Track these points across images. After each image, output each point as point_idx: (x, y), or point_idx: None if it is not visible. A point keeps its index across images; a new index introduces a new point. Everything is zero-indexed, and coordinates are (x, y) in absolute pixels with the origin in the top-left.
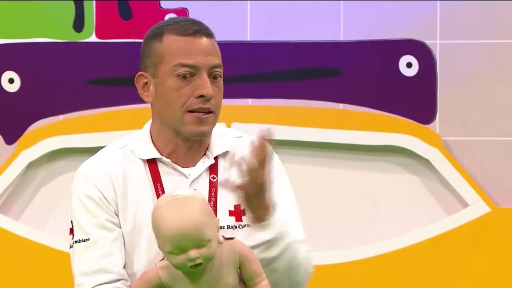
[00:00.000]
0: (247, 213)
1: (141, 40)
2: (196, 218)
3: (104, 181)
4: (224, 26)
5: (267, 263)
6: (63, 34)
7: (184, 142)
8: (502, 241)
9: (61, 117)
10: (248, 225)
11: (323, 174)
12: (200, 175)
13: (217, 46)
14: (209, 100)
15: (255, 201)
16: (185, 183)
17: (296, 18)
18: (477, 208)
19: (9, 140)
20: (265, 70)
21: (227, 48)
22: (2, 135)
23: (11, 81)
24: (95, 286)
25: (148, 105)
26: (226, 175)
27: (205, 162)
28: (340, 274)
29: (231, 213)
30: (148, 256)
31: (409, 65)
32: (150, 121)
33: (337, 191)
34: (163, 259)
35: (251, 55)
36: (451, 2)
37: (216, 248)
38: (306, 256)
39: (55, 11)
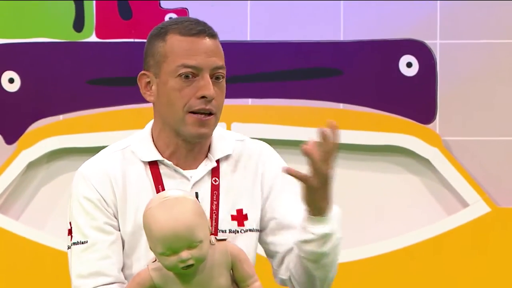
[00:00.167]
0: (307, 206)
1: (141, 40)
2: (188, 219)
3: (104, 183)
4: (224, 26)
5: (317, 258)
6: (63, 34)
7: (185, 143)
8: (502, 241)
9: (61, 117)
10: (251, 230)
11: None
12: (202, 178)
13: (220, 47)
14: (210, 101)
15: (318, 194)
16: (187, 185)
17: (296, 18)
18: (477, 208)
19: (9, 140)
20: (265, 70)
21: (227, 48)
22: (2, 135)
23: (11, 81)
24: None
25: (148, 105)
26: (228, 178)
27: (207, 165)
28: (340, 274)
29: (233, 217)
30: (147, 257)
31: (409, 65)
32: (152, 121)
33: (336, 191)
34: (155, 260)
35: (251, 55)
36: (451, 2)
37: (208, 249)
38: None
39: (55, 11)
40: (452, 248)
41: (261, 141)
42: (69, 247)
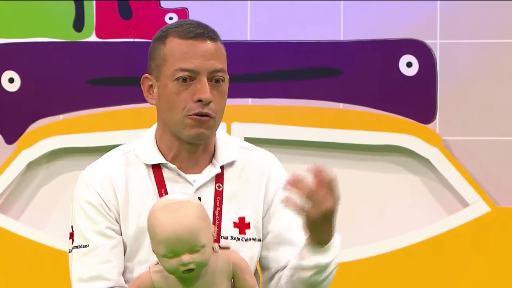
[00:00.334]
0: (308, 235)
1: (142, 40)
2: (191, 222)
3: (106, 187)
4: (224, 26)
5: (311, 285)
6: (63, 33)
7: (186, 146)
8: (502, 241)
9: (61, 116)
10: (253, 239)
11: None
12: (206, 183)
13: (221, 49)
14: (207, 104)
15: (320, 227)
16: (190, 190)
17: (296, 18)
18: (477, 207)
19: (9, 140)
20: (265, 70)
21: (227, 48)
22: (2, 135)
23: (11, 80)
24: None
25: (148, 105)
26: (231, 185)
27: (211, 171)
28: (340, 274)
29: (235, 224)
30: (149, 261)
31: (409, 64)
32: (156, 124)
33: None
34: (157, 263)
35: (251, 55)
36: (451, 2)
37: (210, 255)
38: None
39: (55, 11)
40: (452, 248)
41: (268, 152)
42: (70, 251)
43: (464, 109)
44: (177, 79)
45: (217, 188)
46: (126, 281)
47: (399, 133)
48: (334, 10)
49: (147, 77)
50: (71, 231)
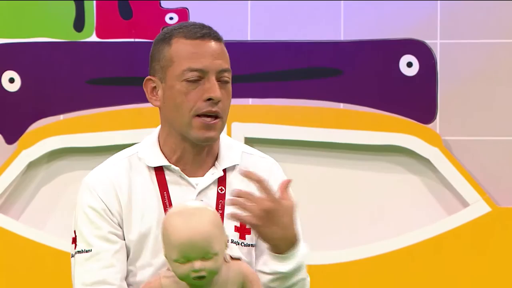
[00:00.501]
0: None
1: (142, 40)
2: (206, 229)
3: (109, 192)
4: (224, 26)
5: None
6: (63, 33)
7: (192, 148)
8: (503, 240)
9: (61, 116)
10: (252, 245)
11: (323, 173)
12: (208, 186)
13: (226, 50)
14: (217, 103)
15: (265, 231)
16: (192, 193)
17: (296, 18)
18: (478, 207)
19: (10, 140)
20: (265, 70)
21: (227, 47)
22: (2, 135)
23: (11, 80)
24: None
25: (148, 105)
26: (234, 188)
27: (214, 174)
28: (340, 274)
29: (236, 228)
30: (152, 264)
31: (409, 64)
32: (159, 126)
33: (337, 190)
34: (168, 269)
35: (251, 55)
36: (452, 2)
37: (222, 264)
38: None
39: (55, 11)
40: (452, 248)
41: (270, 158)
42: (73, 256)
43: (464, 109)
44: (186, 79)
45: (219, 191)
46: (129, 285)
47: (400, 133)
48: (335, 10)
49: (150, 79)
50: (74, 235)
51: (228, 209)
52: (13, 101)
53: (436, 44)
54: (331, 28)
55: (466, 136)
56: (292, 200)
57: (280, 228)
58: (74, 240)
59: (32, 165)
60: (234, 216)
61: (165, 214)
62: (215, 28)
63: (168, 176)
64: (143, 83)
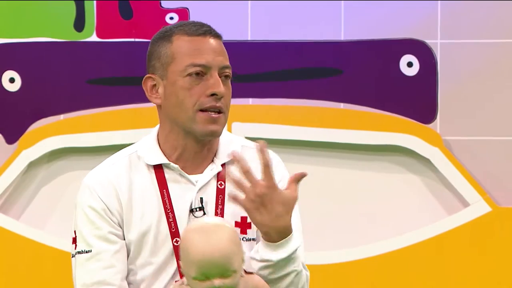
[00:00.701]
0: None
1: (142, 40)
2: (226, 247)
3: (109, 192)
4: (224, 26)
5: (267, 281)
6: (64, 33)
7: (193, 145)
8: (503, 240)
9: (61, 116)
10: (253, 239)
11: (324, 173)
12: (208, 182)
13: (224, 48)
14: (220, 98)
15: (255, 216)
16: (192, 190)
17: (296, 18)
18: (478, 207)
19: (10, 140)
20: (265, 70)
21: (227, 47)
22: (2, 135)
23: (12, 80)
24: None
25: (149, 104)
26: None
27: (213, 170)
28: (340, 274)
29: (237, 224)
30: (152, 262)
31: (409, 64)
32: (158, 126)
33: (337, 190)
34: (181, 283)
35: (251, 55)
36: (452, 1)
37: (239, 280)
38: (304, 283)
39: (56, 11)
40: (452, 248)
41: (270, 151)
42: (73, 256)
43: (465, 109)
44: (189, 74)
45: (219, 186)
46: (129, 284)
47: (400, 133)
48: (335, 10)
49: (150, 77)
50: (74, 236)
51: (229, 203)
52: (14, 101)
53: (436, 44)
54: (331, 28)
55: (466, 136)
56: (295, 192)
57: (273, 216)
58: (74, 240)
59: (33, 165)
60: (232, 197)
61: (165, 213)
62: (215, 27)
63: (168, 174)
64: (142, 82)
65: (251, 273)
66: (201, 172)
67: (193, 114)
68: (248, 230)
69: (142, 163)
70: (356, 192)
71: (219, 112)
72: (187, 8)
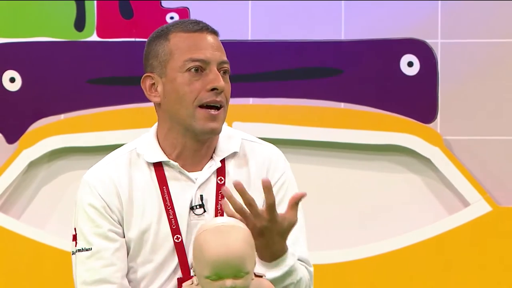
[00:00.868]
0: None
1: (143, 40)
2: (241, 248)
3: (109, 190)
4: (225, 25)
5: None
6: (64, 33)
7: (193, 143)
8: (503, 240)
9: (62, 116)
10: None
11: (324, 173)
12: (207, 179)
13: (221, 44)
14: (220, 93)
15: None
16: (192, 188)
17: (297, 17)
18: (478, 207)
19: (10, 139)
20: (266, 70)
21: (228, 47)
22: (3, 134)
23: (12, 80)
24: None
25: (149, 104)
26: (234, 177)
27: (212, 166)
28: (340, 273)
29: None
30: (152, 259)
31: (410, 64)
32: (156, 124)
33: (338, 190)
34: (191, 283)
35: (252, 55)
36: (452, 1)
37: (250, 282)
38: (307, 285)
39: (56, 10)
40: (453, 248)
41: (271, 145)
42: (73, 253)
43: (465, 108)
44: (188, 69)
45: (218, 181)
46: (130, 281)
47: (400, 132)
48: (335, 10)
49: (148, 76)
50: (74, 233)
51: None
52: (14, 100)
53: (437, 43)
54: (331, 28)
55: (467, 136)
56: (295, 218)
57: (269, 243)
58: (75, 238)
59: (33, 165)
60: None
61: (165, 210)
62: (215, 27)
63: (167, 171)
64: (141, 81)
65: (260, 276)
66: (200, 170)
67: (193, 110)
68: None
69: (141, 160)
70: (356, 192)
71: (219, 108)
72: (188, 8)
